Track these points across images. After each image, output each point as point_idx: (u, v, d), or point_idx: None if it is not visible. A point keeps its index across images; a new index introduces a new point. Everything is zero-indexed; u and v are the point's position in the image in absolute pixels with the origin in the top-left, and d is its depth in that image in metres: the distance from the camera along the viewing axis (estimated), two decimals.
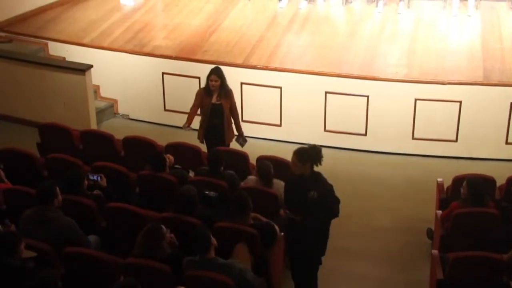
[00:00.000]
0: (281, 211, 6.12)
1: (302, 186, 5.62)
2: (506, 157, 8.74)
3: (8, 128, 9.36)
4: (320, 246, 5.82)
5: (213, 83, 7.53)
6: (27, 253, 5.26)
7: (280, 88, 9.09)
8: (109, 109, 9.89)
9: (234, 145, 7.92)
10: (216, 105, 7.60)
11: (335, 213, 5.79)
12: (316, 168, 5.67)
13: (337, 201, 5.77)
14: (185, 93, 9.15)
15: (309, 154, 5.65)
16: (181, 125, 8.01)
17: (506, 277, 5.51)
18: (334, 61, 9.31)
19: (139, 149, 7.44)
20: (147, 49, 9.66)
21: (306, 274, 5.91)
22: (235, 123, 7.81)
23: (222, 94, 7.59)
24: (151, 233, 5.29)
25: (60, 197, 5.76)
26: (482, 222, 6.15)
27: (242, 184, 6.73)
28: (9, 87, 9.55)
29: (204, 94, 7.67)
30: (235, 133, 7.88)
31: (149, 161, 6.70)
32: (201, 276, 5.11)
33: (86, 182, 6.28)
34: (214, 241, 5.29)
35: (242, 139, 7.88)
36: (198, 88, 8.98)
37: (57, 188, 5.77)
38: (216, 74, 7.54)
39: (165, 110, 9.66)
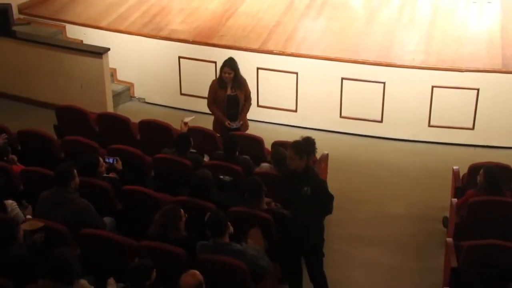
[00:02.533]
0: (272, 204, 6.03)
1: (295, 182, 5.55)
2: None
3: (25, 110, 9.42)
4: (316, 240, 5.76)
5: (227, 75, 7.45)
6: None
7: (296, 73, 9.05)
8: (126, 93, 9.93)
9: (250, 131, 7.89)
10: (231, 96, 7.52)
11: (328, 210, 5.72)
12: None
13: (330, 197, 5.67)
14: (202, 78, 9.14)
15: (306, 147, 5.58)
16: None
17: None
18: (351, 47, 9.25)
19: (155, 132, 7.48)
20: (163, 33, 9.66)
21: (314, 267, 5.86)
22: (242, 110, 7.65)
23: (236, 85, 7.51)
24: (169, 213, 5.33)
25: (77, 179, 5.81)
26: (498, 210, 6.12)
27: (257, 170, 6.73)
28: (27, 69, 9.60)
29: (217, 87, 7.57)
30: (239, 119, 7.60)
31: (175, 142, 6.74)
32: (214, 260, 5.15)
33: (104, 167, 6.32)
34: (230, 226, 5.31)
35: (242, 127, 7.69)
36: (214, 71, 9.01)
37: (75, 171, 5.82)
38: (229, 66, 7.44)
39: (181, 94, 9.67)
